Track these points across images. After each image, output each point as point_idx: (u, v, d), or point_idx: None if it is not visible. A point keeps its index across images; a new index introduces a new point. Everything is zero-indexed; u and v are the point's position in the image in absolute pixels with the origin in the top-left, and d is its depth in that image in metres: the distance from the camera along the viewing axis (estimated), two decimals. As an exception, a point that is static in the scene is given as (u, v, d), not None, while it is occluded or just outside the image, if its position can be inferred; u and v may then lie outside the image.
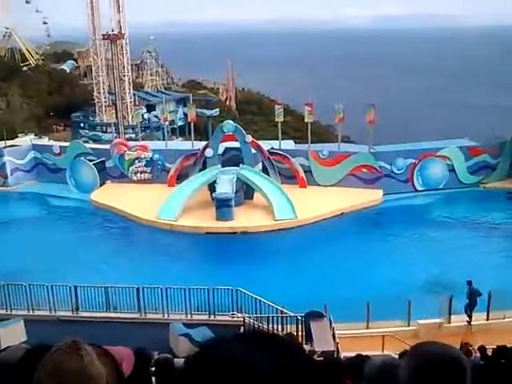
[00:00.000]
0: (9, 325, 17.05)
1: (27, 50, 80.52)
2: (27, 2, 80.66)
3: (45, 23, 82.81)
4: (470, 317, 20.33)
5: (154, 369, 8.42)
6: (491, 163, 36.62)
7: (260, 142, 35.89)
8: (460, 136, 39.31)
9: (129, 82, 56.81)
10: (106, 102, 57.44)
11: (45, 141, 45.82)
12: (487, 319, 20.38)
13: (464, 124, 55.54)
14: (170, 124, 53.63)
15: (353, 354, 13.20)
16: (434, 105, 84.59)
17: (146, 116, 56.87)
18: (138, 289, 19.07)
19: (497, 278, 23.11)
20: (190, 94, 51.73)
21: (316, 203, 32.95)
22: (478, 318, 20.55)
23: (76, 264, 25.74)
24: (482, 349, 14.51)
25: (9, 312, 18.99)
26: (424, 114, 77.54)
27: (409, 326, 19.92)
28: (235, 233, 30.43)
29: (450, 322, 20.17)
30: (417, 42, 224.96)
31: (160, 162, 37.36)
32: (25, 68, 76.97)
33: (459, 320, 20.37)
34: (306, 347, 17.33)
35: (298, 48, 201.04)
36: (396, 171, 35.72)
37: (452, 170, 36.01)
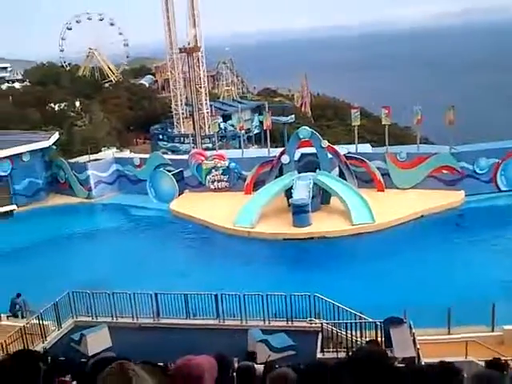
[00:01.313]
0: (95, 331, 17.68)
1: (108, 67, 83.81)
2: (111, 25, 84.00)
3: (125, 45, 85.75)
4: None
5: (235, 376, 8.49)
6: None
7: (336, 147, 35.66)
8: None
9: (205, 93, 57.92)
10: (183, 113, 58.86)
11: (126, 154, 47.42)
12: None
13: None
14: (246, 132, 54.28)
15: (435, 361, 12.91)
16: (508, 100, 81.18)
17: (222, 125, 57.75)
18: (216, 296, 19.31)
19: None
20: (266, 102, 52.25)
21: (394, 206, 32.35)
22: None
23: (157, 272, 26.41)
24: None
25: (94, 319, 19.66)
26: (500, 110, 74.58)
27: (493, 331, 19.12)
28: (312, 238, 30.30)
29: (539, 328, 19.20)
30: (473, 38, 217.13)
31: (236, 170, 37.84)
32: (106, 85, 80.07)
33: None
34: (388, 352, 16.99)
35: (370, 51, 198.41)
36: (478, 171, 34.55)
37: (538, 168, 34.44)
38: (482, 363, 11.54)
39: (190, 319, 19.44)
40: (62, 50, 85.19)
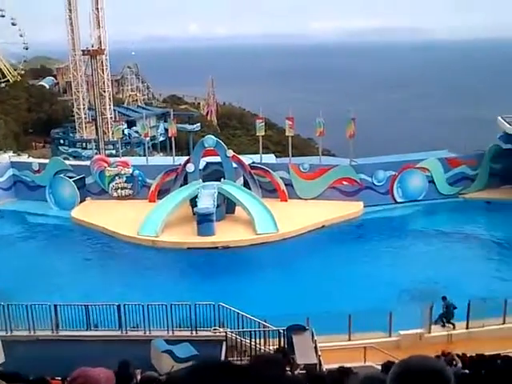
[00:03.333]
0: (-14, 346, 16.75)
1: (5, 66, 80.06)
2: (2, 16, 79.50)
3: (21, 36, 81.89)
4: (443, 326, 20.59)
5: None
6: (470, 174, 37.10)
7: (241, 157, 35.98)
8: (439, 148, 39.77)
9: (109, 98, 56.70)
10: (86, 118, 57.29)
11: (24, 158, 45.46)
12: (467, 328, 20.54)
13: (443, 136, 56.22)
14: (151, 139, 53.64)
15: (335, 366, 13.31)
16: (413, 118, 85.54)
17: (126, 132, 56.78)
18: (118, 306, 18.89)
19: (476, 287, 23.31)
20: (171, 109, 51.74)
21: (297, 216, 33.04)
22: (458, 326, 20.71)
23: (56, 282, 25.51)
24: (464, 358, 14.64)
25: (-14, 333, 18.67)
26: (403, 126, 78.34)
27: (390, 336, 19.99)
28: (217, 247, 30.38)
29: (430, 332, 20.27)
30: (391, 56, 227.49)
31: (141, 178, 37.28)
32: (2, 85, 76.48)
33: (440, 330, 20.50)
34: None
35: (278, 62, 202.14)
36: (376, 183, 35.98)
37: (431, 181, 36.39)
38: (380, 367, 12.07)
39: (91, 331, 18.89)
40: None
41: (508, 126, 36.24)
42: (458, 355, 15.04)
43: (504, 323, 20.79)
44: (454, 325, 20.62)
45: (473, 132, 40.41)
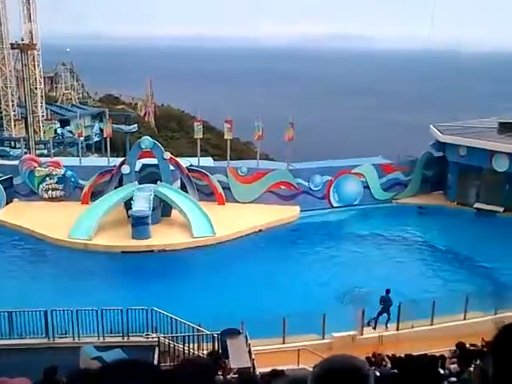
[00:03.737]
0: None
1: None
2: None
3: None
4: (374, 328, 20.97)
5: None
6: (403, 180, 38.04)
7: (178, 159, 35.60)
8: (374, 154, 40.60)
9: (41, 95, 54.92)
10: (15, 115, 55.16)
11: None
12: (397, 329, 21.01)
13: (378, 142, 57.45)
14: (86, 140, 52.44)
15: (269, 370, 13.27)
16: (349, 123, 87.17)
17: (59, 131, 55.18)
18: (45, 312, 18.25)
19: (407, 289, 23.83)
20: (107, 109, 50.81)
21: (234, 220, 32.98)
22: (389, 328, 21.16)
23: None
24: (393, 358, 14.91)
25: None
26: (340, 132, 79.68)
27: (323, 339, 20.21)
28: (152, 251, 29.93)
29: (362, 334, 20.61)
30: (333, 61, 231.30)
31: (73, 179, 36.27)
32: None
33: (371, 331, 20.87)
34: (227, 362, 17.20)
35: (219, 64, 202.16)
36: (313, 188, 36.36)
37: (366, 186, 37.09)
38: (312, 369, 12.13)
39: (16, 339, 18.17)
40: None
41: (439, 134, 37.40)
42: (387, 356, 15.32)
43: (432, 324, 21.38)
44: (386, 325, 21.05)
45: (406, 139, 41.43)
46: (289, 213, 34.92)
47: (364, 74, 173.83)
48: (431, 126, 39.25)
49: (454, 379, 10.41)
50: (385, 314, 21.20)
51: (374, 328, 21.13)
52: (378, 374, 11.83)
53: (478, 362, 10.57)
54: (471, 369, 10.61)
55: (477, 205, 36.26)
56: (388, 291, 21.24)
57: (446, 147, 37.25)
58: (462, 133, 37.03)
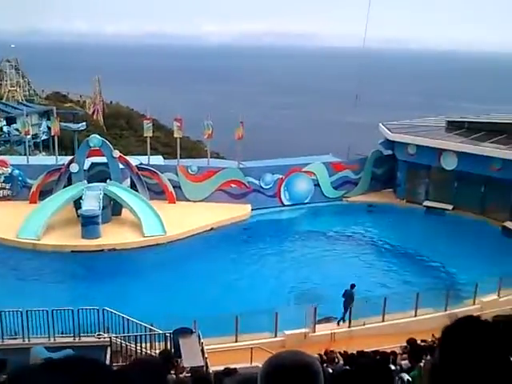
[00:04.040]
0: None
1: None
2: None
3: None
4: (343, 318, 21.26)
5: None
6: (353, 178, 38.60)
7: (128, 158, 35.22)
8: (325, 152, 41.06)
9: (-14, 93, 53.39)
10: (-43, 113, 53.43)
11: None
12: (349, 326, 21.36)
13: (328, 141, 58.09)
14: (33, 138, 51.17)
15: (222, 368, 13.32)
16: (298, 121, 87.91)
17: (5, 129, 53.76)
18: (-6, 313, 17.84)
19: (359, 287, 24.19)
20: (54, 107, 49.73)
21: (185, 219, 32.85)
22: (341, 325, 21.50)
23: None
24: (345, 355, 15.18)
25: None
26: (290, 130, 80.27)
27: (276, 337, 20.38)
28: (102, 250, 29.54)
29: (315, 331, 20.86)
30: (277, 59, 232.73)
31: (20, 178, 35.43)
32: None
33: (324, 329, 21.16)
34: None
35: (165, 62, 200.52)
36: (264, 186, 36.53)
37: (317, 184, 37.48)
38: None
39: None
40: None
41: (389, 132, 38.11)
42: (340, 353, 15.59)
43: (383, 321, 21.82)
44: (343, 320, 21.34)
45: (355, 137, 42.04)
46: (240, 211, 35.00)
47: (305, 72, 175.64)
48: (380, 125, 39.95)
49: (404, 375, 10.67)
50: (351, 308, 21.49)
51: (338, 323, 21.39)
52: (330, 370, 12.05)
53: (429, 357, 10.87)
54: (421, 364, 10.90)
55: (426, 202, 37.12)
56: (353, 286, 21.63)
57: (395, 145, 37.97)
58: (410, 131, 37.81)
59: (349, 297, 21.32)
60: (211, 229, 32.86)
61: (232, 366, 13.49)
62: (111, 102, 77.95)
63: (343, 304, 21.40)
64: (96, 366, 1.56)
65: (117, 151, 33.94)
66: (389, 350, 14.39)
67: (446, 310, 22.12)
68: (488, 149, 33.05)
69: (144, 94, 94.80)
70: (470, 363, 1.89)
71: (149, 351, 17.68)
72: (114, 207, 32.97)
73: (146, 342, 17.96)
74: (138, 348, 17.73)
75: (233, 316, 19.51)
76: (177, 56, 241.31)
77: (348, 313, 21.45)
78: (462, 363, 1.91)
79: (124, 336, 18.10)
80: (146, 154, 36.89)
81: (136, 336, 18.00)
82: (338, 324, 21.57)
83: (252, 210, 35.48)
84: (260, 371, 2.11)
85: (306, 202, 37.36)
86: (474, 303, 23.11)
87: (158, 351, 17.53)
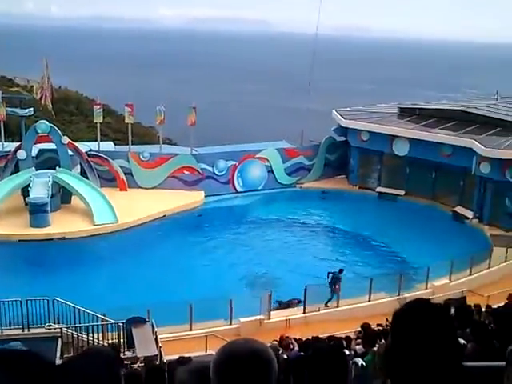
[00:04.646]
0: None
1: None
2: None
3: None
4: (330, 299, 22.07)
5: None
6: (306, 165, 38.68)
7: (78, 144, 34.35)
8: (278, 138, 41.00)
9: None
10: None
11: None
12: (304, 312, 21.40)
13: (282, 127, 58.10)
14: (-23, 124, 49.43)
15: (176, 357, 13.10)
16: (253, 108, 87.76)
17: None
18: None
19: (313, 273, 24.35)
20: (0, 92, 48.08)
21: (137, 206, 32.29)
22: (296, 311, 21.54)
23: None
24: (300, 341, 15.13)
25: None
26: (244, 116, 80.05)
27: (231, 324, 20.25)
28: (52, 239, 28.78)
29: (270, 318, 20.83)
30: (232, 45, 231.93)
31: (-35, 166, 34.14)
32: None
33: (279, 315, 21.14)
34: (128, 354, 16.87)
35: (118, 46, 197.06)
36: (217, 173, 36.23)
37: (270, 171, 37.41)
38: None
39: None
40: None
41: (342, 119, 38.28)
42: (295, 339, 15.54)
43: (338, 306, 21.98)
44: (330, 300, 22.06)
45: (308, 123, 42.06)
46: (193, 198, 34.66)
47: (257, 58, 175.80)
48: (333, 111, 40.08)
49: (358, 359, 10.66)
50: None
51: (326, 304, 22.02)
52: (285, 357, 11.96)
53: (383, 341, 10.89)
54: (375, 348, 10.92)
55: (378, 188, 37.51)
56: (341, 271, 22.25)
57: (348, 132, 38.19)
58: (363, 118, 38.07)
59: (337, 279, 21.74)
60: (164, 216, 32.43)
61: (186, 355, 13.27)
62: (60, 87, 75.93)
63: (330, 286, 21.87)
64: (35, 361, 1.45)
65: (66, 137, 33.08)
66: (343, 336, 14.42)
67: (399, 295, 22.40)
68: (439, 135, 33.57)
69: (94, 79, 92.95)
70: (420, 346, 1.94)
71: (101, 342, 17.32)
72: (63, 195, 32.16)
73: (98, 333, 17.61)
74: (90, 338, 17.35)
75: (187, 304, 19.27)
76: (129, 39, 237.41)
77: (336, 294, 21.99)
78: (413, 346, 1.96)
79: (75, 327, 17.68)
80: (96, 141, 36.11)
81: (88, 326, 17.62)
82: (326, 305, 22.02)
83: (205, 196, 35.18)
84: (212, 360, 2.07)
85: (259, 188, 37.26)
86: (426, 287, 23.51)
87: (110, 341, 17.23)
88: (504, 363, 2.98)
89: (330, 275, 22.11)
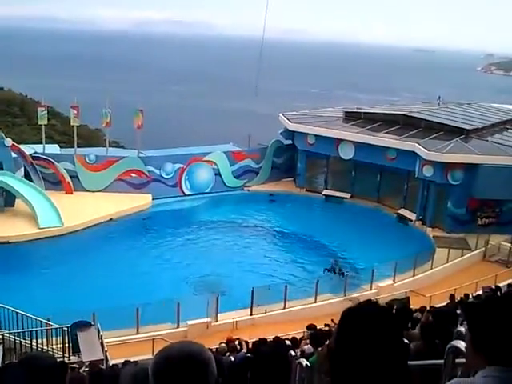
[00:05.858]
0: None
1: None
2: None
3: None
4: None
5: None
6: (254, 167, 38.87)
7: (21, 146, 33.59)
8: (225, 141, 41.07)
9: None
10: None
11: None
12: (251, 314, 21.53)
13: (229, 130, 58.23)
14: None
15: (122, 361, 13.01)
16: (198, 110, 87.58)
17: None
18: None
19: (260, 274, 24.54)
20: None
21: (84, 209, 31.82)
22: (242, 314, 21.62)
23: None
24: (247, 343, 15.26)
25: None
26: (191, 119, 79.81)
27: (178, 327, 20.21)
28: (-6, 243, 28.04)
29: (217, 321, 20.87)
30: (177, 48, 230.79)
31: None
32: None
33: (226, 318, 21.21)
34: (74, 358, 16.62)
35: (60, 48, 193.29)
36: (165, 176, 36.02)
37: (218, 174, 37.42)
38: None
39: None
40: None
41: (289, 122, 38.63)
42: (246, 342, 15.65)
43: (285, 308, 22.19)
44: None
45: (255, 126, 42.27)
46: (140, 201, 34.36)
47: (202, 60, 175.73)
48: (280, 115, 40.42)
49: (303, 360, 10.81)
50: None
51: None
52: (232, 359, 12.05)
53: (328, 341, 11.07)
54: (319, 349, 11.10)
55: (325, 191, 37.99)
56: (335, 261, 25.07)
57: (295, 135, 38.55)
58: (310, 121, 38.48)
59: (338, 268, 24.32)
60: (110, 219, 32.06)
61: (133, 359, 13.23)
62: (2, 88, 74.18)
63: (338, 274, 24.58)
64: None
65: (9, 139, 32.33)
66: (290, 337, 14.61)
67: (345, 295, 22.81)
68: (383, 139, 34.26)
69: (38, 80, 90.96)
70: (368, 345, 1.96)
71: (45, 347, 17.00)
72: (6, 198, 31.41)
73: (42, 338, 17.25)
74: (34, 344, 16.99)
75: (133, 307, 19.12)
76: (69, 41, 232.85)
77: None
78: (361, 345, 1.96)
79: (18, 332, 17.28)
80: (41, 143, 35.40)
81: (31, 331, 17.24)
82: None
83: (153, 199, 34.93)
84: (150, 363, 2.13)
85: (207, 191, 37.23)
86: (371, 288, 24.02)
87: (55, 346, 16.95)
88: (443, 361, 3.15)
89: (328, 270, 23.48)
